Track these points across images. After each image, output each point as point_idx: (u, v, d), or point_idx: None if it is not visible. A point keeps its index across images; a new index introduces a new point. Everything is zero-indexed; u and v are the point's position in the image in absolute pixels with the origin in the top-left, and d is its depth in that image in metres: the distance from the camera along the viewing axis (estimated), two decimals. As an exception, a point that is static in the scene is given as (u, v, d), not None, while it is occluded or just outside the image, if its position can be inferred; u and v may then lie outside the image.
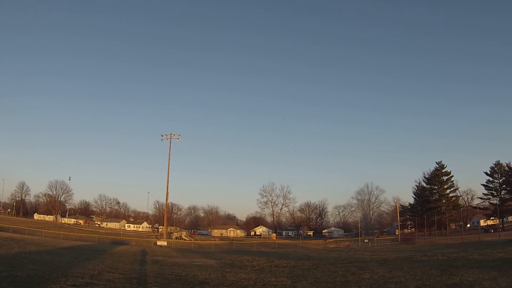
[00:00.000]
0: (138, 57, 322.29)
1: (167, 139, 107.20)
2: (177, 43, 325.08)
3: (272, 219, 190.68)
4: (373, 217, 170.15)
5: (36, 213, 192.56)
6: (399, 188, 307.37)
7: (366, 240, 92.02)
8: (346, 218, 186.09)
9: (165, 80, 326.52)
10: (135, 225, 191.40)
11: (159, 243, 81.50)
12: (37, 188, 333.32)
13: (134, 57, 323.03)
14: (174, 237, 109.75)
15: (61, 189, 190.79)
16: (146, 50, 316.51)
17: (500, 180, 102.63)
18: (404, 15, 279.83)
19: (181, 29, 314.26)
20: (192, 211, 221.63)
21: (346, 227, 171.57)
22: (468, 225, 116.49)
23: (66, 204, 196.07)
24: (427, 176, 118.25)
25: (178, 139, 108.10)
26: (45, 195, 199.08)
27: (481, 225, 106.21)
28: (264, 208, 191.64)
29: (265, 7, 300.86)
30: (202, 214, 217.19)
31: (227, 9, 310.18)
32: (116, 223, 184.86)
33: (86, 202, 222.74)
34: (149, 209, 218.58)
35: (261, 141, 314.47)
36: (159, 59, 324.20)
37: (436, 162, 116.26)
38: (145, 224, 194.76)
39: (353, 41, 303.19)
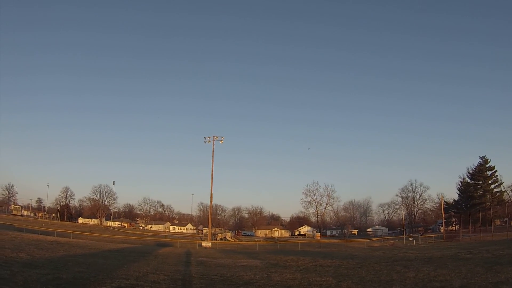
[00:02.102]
0: (178, 54, 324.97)
1: (210, 141, 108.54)
2: (220, 37, 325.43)
3: (316, 218, 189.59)
4: (417, 214, 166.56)
5: (80, 217, 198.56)
6: (443, 185, 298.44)
7: (410, 238, 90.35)
8: (391, 216, 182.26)
9: (207, 76, 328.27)
10: (180, 227, 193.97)
11: (203, 244, 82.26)
12: (81, 193, 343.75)
13: (173, 54, 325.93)
14: (218, 238, 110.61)
15: (105, 193, 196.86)
16: (187, 44, 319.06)
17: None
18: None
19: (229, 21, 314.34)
20: (236, 212, 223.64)
21: (390, 225, 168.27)
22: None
23: (110, 208, 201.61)
24: (471, 172, 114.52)
25: (221, 141, 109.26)
26: (89, 199, 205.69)
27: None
28: (308, 208, 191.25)
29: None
30: (246, 215, 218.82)
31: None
32: (160, 226, 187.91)
33: (130, 205, 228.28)
34: (193, 211, 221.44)
35: (304, 139, 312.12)
36: (199, 55, 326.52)
37: (480, 157, 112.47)
38: (189, 226, 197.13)
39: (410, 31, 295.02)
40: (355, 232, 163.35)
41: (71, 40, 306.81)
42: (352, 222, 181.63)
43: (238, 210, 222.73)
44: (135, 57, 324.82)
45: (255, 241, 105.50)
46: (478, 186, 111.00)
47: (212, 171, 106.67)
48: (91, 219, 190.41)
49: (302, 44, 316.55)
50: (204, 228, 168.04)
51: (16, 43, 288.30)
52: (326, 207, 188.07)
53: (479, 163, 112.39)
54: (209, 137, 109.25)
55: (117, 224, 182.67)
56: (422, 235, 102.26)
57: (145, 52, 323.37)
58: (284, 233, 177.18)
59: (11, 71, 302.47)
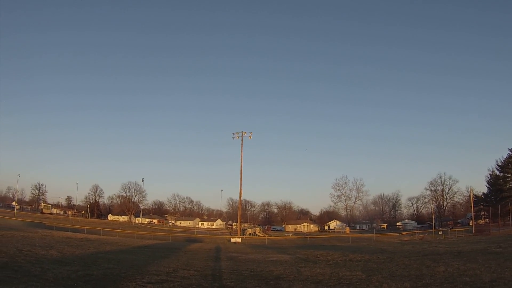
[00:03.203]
0: (204, 51, 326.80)
1: (238, 137, 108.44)
2: (244, 32, 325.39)
3: (346, 212, 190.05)
4: (446, 208, 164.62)
5: (110, 214, 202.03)
6: (472, 177, 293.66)
7: (440, 232, 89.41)
8: (420, 210, 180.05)
9: (234, 73, 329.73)
10: (209, 223, 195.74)
11: (233, 239, 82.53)
12: (110, 190, 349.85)
13: (199, 51, 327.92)
14: (248, 233, 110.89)
15: (135, 190, 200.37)
16: (214, 41, 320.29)
17: None
18: None
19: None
20: (266, 207, 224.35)
21: (419, 219, 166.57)
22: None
23: (140, 205, 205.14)
24: (500, 164, 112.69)
25: (250, 136, 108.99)
26: (118, 196, 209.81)
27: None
28: (337, 202, 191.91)
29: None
30: (275, 210, 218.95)
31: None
32: (190, 221, 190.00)
33: (159, 202, 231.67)
34: (223, 207, 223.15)
35: (333, 133, 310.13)
36: (226, 52, 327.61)
37: (509, 149, 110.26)
38: (218, 221, 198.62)
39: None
40: (384, 226, 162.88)
41: (97, 41, 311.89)
42: (381, 216, 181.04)
43: (267, 205, 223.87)
44: (163, 55, 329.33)
45: (285, 236, 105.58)
46: (508, 179, 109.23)
47: (241, 166, 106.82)
48: (121, 216, 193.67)
49: (329, 39, 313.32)
50: (233, 224, 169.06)
51: (45, 44, 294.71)
52: (355, 201, 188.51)
53: (508, 155, 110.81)
54: (237, 132, 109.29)
55: (146, 220, 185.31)
56: (451, 228, 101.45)
57: (172, 50, 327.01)
58: (313, 227, 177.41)
59: (38, 71, 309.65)
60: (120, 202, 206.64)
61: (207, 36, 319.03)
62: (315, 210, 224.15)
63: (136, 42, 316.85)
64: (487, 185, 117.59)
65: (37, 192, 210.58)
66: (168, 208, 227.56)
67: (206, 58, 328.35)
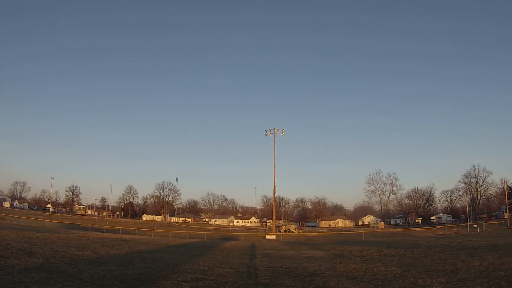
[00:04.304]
0: (236, 49, 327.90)
1: (271, 134, 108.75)
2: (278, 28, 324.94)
3: (380, 207, 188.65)
4: (480, 201, 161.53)
5: (144, 214, 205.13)
6: (507, 169, 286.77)
7: (474, 226, 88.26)
8: (454, 203, 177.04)
9: (266, 70, 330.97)
10: (243, 221, 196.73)
11: (267, 236, 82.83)
12: (144, 191, 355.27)
13: (230, 50, 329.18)
14: (282, 230, 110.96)
15: (169, 190, 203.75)
16: (245, 39, 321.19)
17: None
18: None
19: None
20: (300, 204, 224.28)
21: (454, 213, 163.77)
22: None
23: (174, 204, 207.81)
24: None
25: (282, 133, 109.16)
26: (152, 196, 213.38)
27: None
28: (371, 197, 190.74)
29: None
30: (309, 206, 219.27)
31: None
32: (224, 220, 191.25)
33: (194, 200, 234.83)
34: (257, 204, 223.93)
35: (366, 127, 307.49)
36: (257, 49, 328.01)
37: None
38: (253, 219, 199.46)
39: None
40: (418, 220, 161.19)
41: (127, 44, 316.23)
42: (415, 210, 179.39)
43: (301, 201, 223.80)
44: (200, 54, 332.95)
45: (319, 232, 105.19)
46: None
47: (275, 163, 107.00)
48: (155, 215, 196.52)
49: (365, 33, 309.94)
50: (268, 221, 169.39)
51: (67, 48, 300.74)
52: (389, 196, 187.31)
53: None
54: (270, 129, 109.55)
55: (181, 219, 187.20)
56: (486, 222, 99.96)
57: (204, 49, 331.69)
58: (347, 223, 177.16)
59: (67, 74, 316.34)
60: (154, 202, 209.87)
61: (237, 34, 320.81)
62: (349, 206, 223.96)
63: (175, 43, 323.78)
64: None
65: (71, 194, 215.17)
66: (202, 207, 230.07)
67: (236, 56, 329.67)
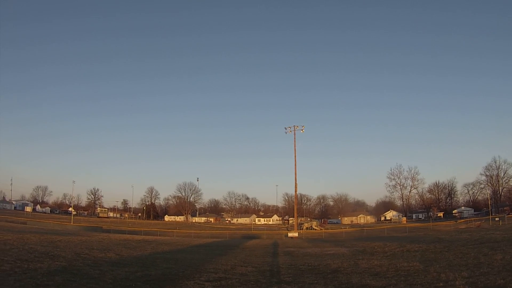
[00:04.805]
0: (253, 47, 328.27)
1: (291, 131, 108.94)
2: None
3: (402, 202, 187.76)
4: (502, 193, 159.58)
5: (166, 215, 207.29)
6: None
7: (497, 219, 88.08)
8: (476, 196, 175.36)
9: (283, 68, 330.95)
10: (265, 219, 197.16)
11: (290, 234, 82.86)
12: (166, 192, 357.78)
13: (248, 48, 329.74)
14: (304, 227, 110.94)
15: (190, 190, 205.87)
16: (262, 38, 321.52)
17: None
18: None
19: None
20: (321, 201, 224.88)
21: (476, 206, 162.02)
22: None
23: (195, 204, 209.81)
24: None
25: (302, 130, 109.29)
26: (174, 197, 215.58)
27: None
28: (393, 192, 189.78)
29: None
30: (331, 203, 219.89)
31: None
32: (246, 218, 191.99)
33: (215, 200, 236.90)
34: (278, 202, 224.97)
35: (385, 121, 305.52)
36: (274, 47, 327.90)
37: None
38: (275, 217, 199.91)
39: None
40: (440, 214, 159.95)
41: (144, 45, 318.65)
42: (437, 204, 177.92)
43: (323, 198, 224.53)
44: (214, 54, 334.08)
45: (341, 228, 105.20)
46: None
47: (295, 160, 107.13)
48: (177, 216, 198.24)
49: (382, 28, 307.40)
50: (290, 218, 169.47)
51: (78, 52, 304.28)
52: (410, 190, 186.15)
53: None
54: (289, 127, 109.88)
55: (203, 219, 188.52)
56: (508, 214, 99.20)
57: (225, 48, 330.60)
58: (369, 219, 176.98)
59: (85, 78, 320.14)
60: (176, 202, 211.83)
61: (257, 33, 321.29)
62: (371, 201, 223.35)
63: (197, 43, 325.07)
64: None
65: (93, 197, 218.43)
66: (224, 206, 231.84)
67: (253, 55, 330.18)
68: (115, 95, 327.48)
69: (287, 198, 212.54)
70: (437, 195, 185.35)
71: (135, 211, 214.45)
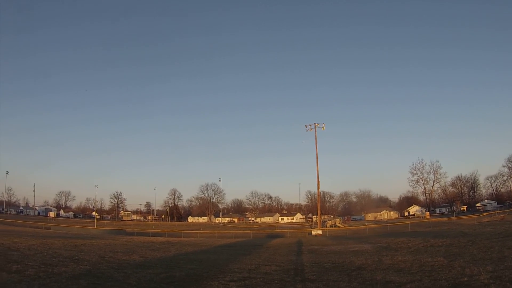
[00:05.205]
0: (276, 46, 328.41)
1: (311, 129, 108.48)
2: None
3: (425, 197, 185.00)
4: None
5: (189, 216, 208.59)
6: None
7: None
8: (499, 189, 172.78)
9: (304, 65, 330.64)
10: (289, 217, 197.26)
11: (313, 232, 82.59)
12: (188, 193, 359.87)
13: (272, 47, 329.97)
14: (328, 225, 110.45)
15: (213, 191, 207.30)
16: (281, 36, 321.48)
17: None
18: None
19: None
20: (344, 198, 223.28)
21: (499, 199, 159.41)
22: None
23: (219, 205, 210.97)
24: None
25: (323, 127, 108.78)
26: (197, 198, 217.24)
27: None
28: (415, 187, 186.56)
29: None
30: (354, 199, 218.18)
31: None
32: (269, 217, 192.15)
33: (238, 200, 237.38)
34: (301, 200, 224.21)
35: (406, 116, 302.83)
36: (296, 45, 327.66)
37: None
38: (298, 215, 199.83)
39: None
40: (464, 208, 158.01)
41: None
42: (460, 198, 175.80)
43: (345, 195, 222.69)
44: (231, 53, 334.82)
45: (365, 225, 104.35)
46: None
47: (317, 158, 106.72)
48: (201, 217, 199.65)
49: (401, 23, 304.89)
50: (313, 216, 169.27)
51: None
52: (433, 185, 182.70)
53: None
54: (310, 124, 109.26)
55: (226, 220, 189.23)
56: None
57: (246, 47, 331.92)
58: (393, 214, 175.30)
59: (107, 82, 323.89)
60: (199, 203, 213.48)
61: (276, 31, 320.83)
62: (393, 197, 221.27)
63: (212, 43, 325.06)
64: None
65: (116, 200, 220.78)
66: (247, 206, 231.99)
67: (271, 53, 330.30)
68: (135, 98, 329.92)
69: (309, 196, 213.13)
70: (460, 188, 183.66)
71: (158, 213, 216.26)
